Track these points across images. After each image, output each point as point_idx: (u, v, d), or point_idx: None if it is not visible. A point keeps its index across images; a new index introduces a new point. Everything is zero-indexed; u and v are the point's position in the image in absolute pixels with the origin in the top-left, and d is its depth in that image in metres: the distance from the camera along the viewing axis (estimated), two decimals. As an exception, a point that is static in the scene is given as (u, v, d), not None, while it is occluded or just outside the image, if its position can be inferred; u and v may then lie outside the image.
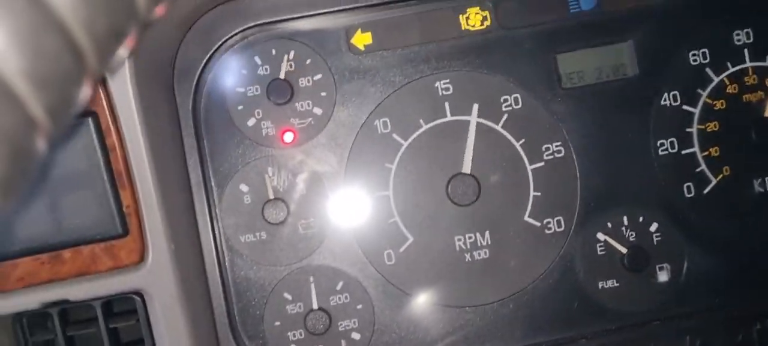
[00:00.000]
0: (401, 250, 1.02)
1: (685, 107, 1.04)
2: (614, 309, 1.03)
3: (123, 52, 0.49)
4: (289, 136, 1.02)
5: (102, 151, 0.87)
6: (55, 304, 0.92)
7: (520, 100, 1.03)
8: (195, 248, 0.98)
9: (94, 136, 0.87)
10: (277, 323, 1.01)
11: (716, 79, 1.04)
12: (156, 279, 0.90)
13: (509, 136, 1.03)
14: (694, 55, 1.04)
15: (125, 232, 0.89)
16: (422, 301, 1.03)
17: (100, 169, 0.87)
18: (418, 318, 1.03)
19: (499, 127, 1.03)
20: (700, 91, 1.04)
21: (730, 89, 1.04)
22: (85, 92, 0.46)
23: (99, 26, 0.43)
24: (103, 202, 0.88)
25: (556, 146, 1.03)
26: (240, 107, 1.01)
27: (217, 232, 1.00)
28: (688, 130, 1.04)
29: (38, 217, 0.87)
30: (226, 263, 1.01)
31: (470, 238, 1.02)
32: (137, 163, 0.88)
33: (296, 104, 1.01)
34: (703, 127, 1.04)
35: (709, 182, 1.04)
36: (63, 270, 0.89)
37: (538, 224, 1.03)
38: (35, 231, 0.88)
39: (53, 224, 0.88)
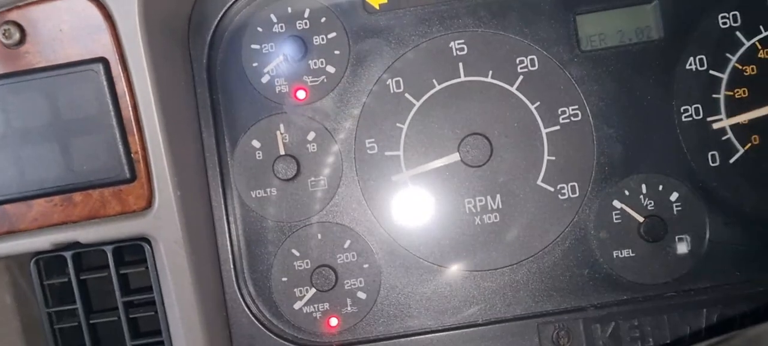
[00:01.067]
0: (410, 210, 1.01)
1: (712, 72, 0.99)
2: (628, 280, 0.99)
3: None
4: (301, 94, 1.02)
5: (111, 97, 0.89)
6: (67, 247, 0.95)
7: (536, 61, 1.00)
8: (203, 199, 1.00)
9: (105, 82, 0.89)
10: (284, 279, 1.02)
11: (747, 43, 0.99)
12: (162, 224, 0.91)
13: (524, 99, 1.00)
14: (724, 17, 0.99)
15: (133, 177, 0.91)
16: (429, 263, 1.01)
17: (109, 115, 0.89)
18: (425, 280, 1.01)
19: (513, 89, 1.00)
20: (729, 55, 0.99)
21: (761, 54, 0.99)
22: None
23: None
24: (112, 147, 0.90)
25: (573, 110, 1.00)
26: (254, 64, 1.02)
27: (227, 185, 1.01)
28: (715, 96, 0.99)
29: (51, 160, 0.90)
30: (236, 217, 1.02)
31: (481, 201, 1.01)
32: (145, 110, 0.90)
33: (310, 62, 1.01)
34: (731, 93, 0.99)
35: (736, 151, 0.99)
36: (74, 213, 0.92)
37: (552, 189, 1.00)
38: (48, 174, 0.91)
39: (65, 167, 0.90)
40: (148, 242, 0.95)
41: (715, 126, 0.99)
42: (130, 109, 0.90)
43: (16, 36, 0.87)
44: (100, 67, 0.88)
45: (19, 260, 0.98)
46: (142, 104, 0.90)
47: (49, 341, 0.99)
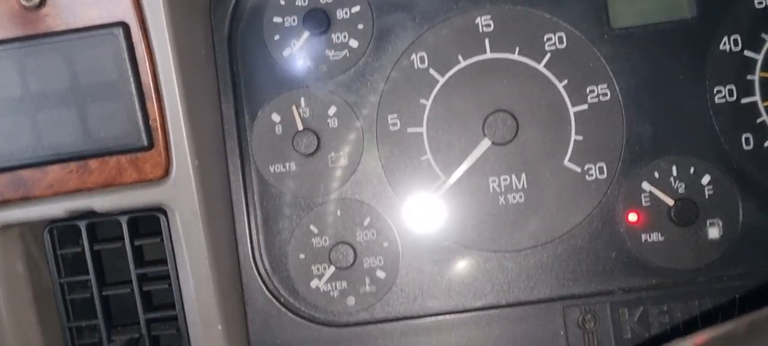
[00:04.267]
0: (432, 188, 0.99)
1: (746, 53, 0.96)
2: (658, 264, 0.96)
3: None
4: (323, 68, 1.00)
5: (131, 62, 0.87)
6: (82, 216, 0.94)
7: (564, 39, 0.97)
8: (221, 171, 0.98)
9: (124, 47, 0.87)
10: (302, 256, 0.99)
11: (784, 23, 0.96)
12: (178, 194, 0.90)
13: (551, 77, 0.98)
14: (759, -4, 0.97)
15: (151, 145, 0.89)
16: (451, 243, 0.98)
17: (128, 81, 0.88)
18: (446, 261, 0.99)
19: (540, 67, 0.98)
20: (764, 36, 0.96)
21: (799, 35, 0.96)
22: None
23: None
24: (130, 114, 0.88)
25: (602, 89, 0.97)
26: (276, 37, 1.00)
27: (245, 158, 0.99)
28: (750, 77, 0.96)
29: (68, 125, 0.89)
30: (254, 191, 0.99)
31: (505, 180, 0.98)
32: (165, 76, 0.88)
33: (332, 36, 0.99)
34: (766, 75, 0.96)
35: (771, 134, 0.96)
36: (90, 180, 0.90)
37: (579, 169, 0.97)
38: (65, 139, 0.89)
39: (82, 133, 0.89)
40: (164, 213, 0.93)
41: (749, 108, 0.96)
42: (149, 75, 0.88)
43: (36, -3, 0.86)
44: (120, 31, 0.87)
45: (32, 229, 0.96)
46: (162, 70, 0.88)
47: (60, 311, 0.97)
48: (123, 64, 0.87)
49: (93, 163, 0.90)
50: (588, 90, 0.97)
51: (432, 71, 0.99)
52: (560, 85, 0.97)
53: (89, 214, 0.93)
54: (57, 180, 0.90)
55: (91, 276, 0.95)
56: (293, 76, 1.00)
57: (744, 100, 0.96)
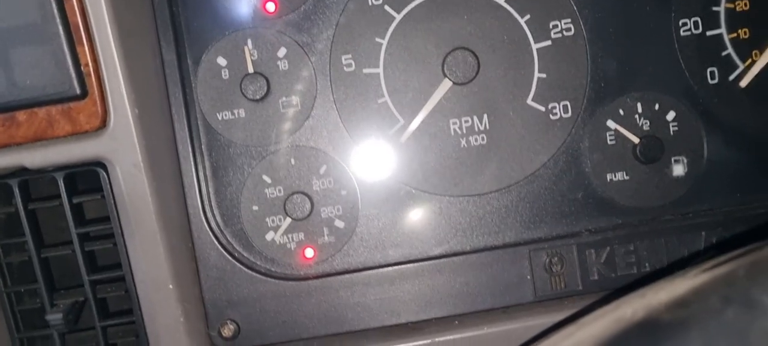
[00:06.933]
0: (390, 132, 0.94)
1: (712, -18, 0.93)
2: (623, 203, 0.94)
3: None
4: (271, 6, 0.93)
5: (56, 0, 0.79)
6: (12, 173, 0.86)
7: (526, -29, 0.93)
8: (164, 120, 0.91)
9: (48, -18, 0.79)
10: (255, 207, 0.94)
11: (750, -48, 0.93)
12: (118, 146, 0.83)
13: (513, 12, 0.93)
14: None
15: (84, 93, 0.81)
16: (412, 188, 0.94)
17: (54, 22, 0.79)
18: (407, 207, 0.95)
19: (502, 1, 0.93)
20: (730, -36, 0.93)
21: (765, -37, 0.93)
22: None
23: None
24: (58, 59, 0.80)
25: (565, 24, 0.93)
26: (219, -27, 0.92)
27: (190, 106, 0.92)
28: (715, 8, 0.93)
29: (-10, 73, 0.80)
30: (201, 140, 0.93)
31: (467, 121, 0.93)
32: (96, 16, 0.80)
33: (280, -29, 0.92)
34: (731, 6, 0.93)
35: (736, 67, 0.93)
36: (18, 134, 0.82)
37: (543, 108, 0.93)
38: (-13, 89, 0.81)
39: (6, 81, 0.81)
40: (104, 167, 0.86)
41: (715, 41, 0.93)
42: (77, 14, 0.80)
43: (-57, -71, 0.76)
44: (42, -35, 0.78)
45: (-42, 190, 0.88)
46: (92, 9, 0.80)
47: (-5, 277, 0.90)
48: (47, 3, 0.79)
49: (20, 116, 0.82)
50: (551, 25, 0.93)
51: (387, 8, 0.93)
52: (522, 21, 0.93)
53: (21, 171, 0.85)
54: (-20, 135, 0.82)
55: (28, 237, 0.88)
56: (239, 15, 0.93)
57: (709, 33, 0.93)
